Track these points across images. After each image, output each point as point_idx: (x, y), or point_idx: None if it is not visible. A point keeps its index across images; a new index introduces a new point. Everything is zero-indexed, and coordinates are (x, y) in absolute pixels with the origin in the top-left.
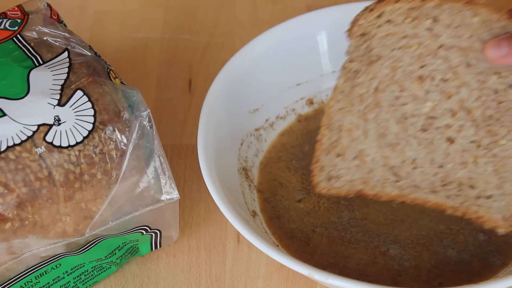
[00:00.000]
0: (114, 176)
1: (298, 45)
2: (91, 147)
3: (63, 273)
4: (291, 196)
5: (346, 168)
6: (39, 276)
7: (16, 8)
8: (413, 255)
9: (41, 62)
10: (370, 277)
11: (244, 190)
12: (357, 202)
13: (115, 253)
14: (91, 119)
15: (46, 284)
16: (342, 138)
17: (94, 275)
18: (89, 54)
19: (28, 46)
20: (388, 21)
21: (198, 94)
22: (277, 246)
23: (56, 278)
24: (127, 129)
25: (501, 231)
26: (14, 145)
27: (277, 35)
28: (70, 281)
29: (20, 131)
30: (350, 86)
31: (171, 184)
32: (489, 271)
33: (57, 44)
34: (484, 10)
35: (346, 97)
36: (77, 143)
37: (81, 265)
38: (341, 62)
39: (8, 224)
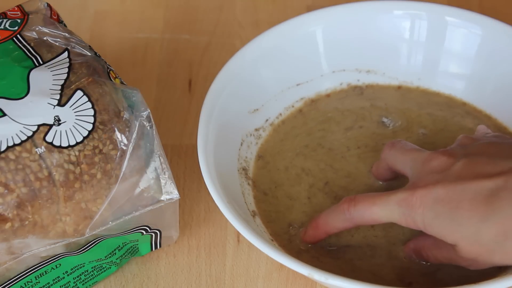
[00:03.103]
0: (114, 176)
1: (298, 45)
2: (91, 147)
3: (63, 273)
4: (287, 194)
5: None
6: (39, 276)
7: (16, 8)
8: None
9: (41, 62)
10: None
11: (244, 190)
12: None
13: (115, 253)
14: (91, 119)
15: (46, 284)
16: None
17: (94, 275)
18: (89, 54)
19: (28, 46)
20: None
21: (198, 94)
22: (277, 246)
23: (56, 278)
24: (127, 129)
25: None
26: (14, 145)
27: (277, 35)
28: (70, 281)
29: (20, 131)
30: None
31: (171, 184)
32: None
33: (57, 44)
34: None
35: None
36: (77, 143)
37: (81, 265)
38: (341, 62)
39: (8, 224)
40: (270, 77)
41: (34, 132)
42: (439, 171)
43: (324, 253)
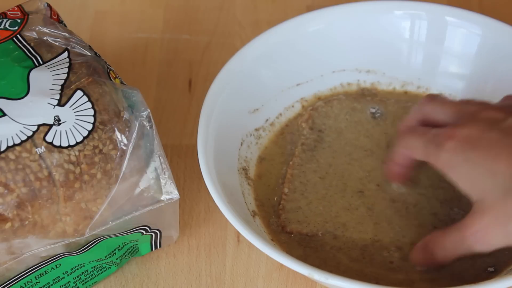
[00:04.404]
0: (114, 176)
1: (298, 45)
2: (91, 147)
3: (63, 273)
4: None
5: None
6: (39, 276)
7: (16, 8)
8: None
9: (41, 62)
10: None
11: (244, 190)
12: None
13: (115, 253)
14: (91, 119)
15: (46, 284)
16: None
17: (94, 275)
18: (89, 54)
19: (28, 46)
20: None
21: (198, 94)
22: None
23: (56, 278)
24: (127, 129)
25: None
26: (14, 145)
27: (277, 35)
28: (70, 281)
29: (20, 131)
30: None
31: (171, 184)
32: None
33: (57, 44)
34: None
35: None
36: (77, 143)
37: (81, 265)
38: (341, 62)
39: (8, 224)
40: (270, 77)
41: (34, 132)
42: (488, 122)
43: (304, 242)
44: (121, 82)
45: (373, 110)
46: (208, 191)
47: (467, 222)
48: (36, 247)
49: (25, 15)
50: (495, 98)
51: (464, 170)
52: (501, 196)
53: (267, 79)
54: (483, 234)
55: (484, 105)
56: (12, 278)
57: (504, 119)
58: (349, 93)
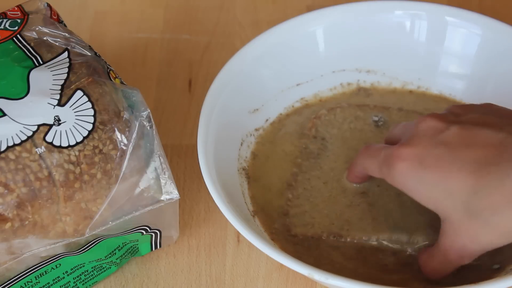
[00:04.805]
0: (114, 176)
1: (298, 45)
2: (91, 147)
3: (63, 273)
4: (279, 191)
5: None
6: (39, 276)
7: (16, 8)
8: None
9: (41, 62)
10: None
11: (244, 190)
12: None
13: (115, 253)
14: (91, 119)
15: (46, 284)
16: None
17: (94, 275)
18: (89, 54)
19: (28, 46)
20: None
21: (198, 94)
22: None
23: (56, 278)
24: (127, 129)
25: None
26: (14, 145)
27: (277, 35)
28: (70, 281)
29: (20, 131)
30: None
31: (171, 184)
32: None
33: (57, 44)
34: None
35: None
36: (77, 143)
37: (81, 265)
38: (341, 62)
39: (8, 224)
40: (270, 77)
41: (34, 132)
42: (430, 135)
43: (297, 243)
44: (121, 82)
45: (376, 119)
46: (208, 191)
47: (446, 243)
48: (36, 247)
49: (25, 15)
50: (495, 98)
51: (422, 191)
52: (465, 215)
53: (267, 79)
54: (463, 252)
55: (424, 116)
56: (12, 278)
57: (445, 129)
58: (348, 93)
